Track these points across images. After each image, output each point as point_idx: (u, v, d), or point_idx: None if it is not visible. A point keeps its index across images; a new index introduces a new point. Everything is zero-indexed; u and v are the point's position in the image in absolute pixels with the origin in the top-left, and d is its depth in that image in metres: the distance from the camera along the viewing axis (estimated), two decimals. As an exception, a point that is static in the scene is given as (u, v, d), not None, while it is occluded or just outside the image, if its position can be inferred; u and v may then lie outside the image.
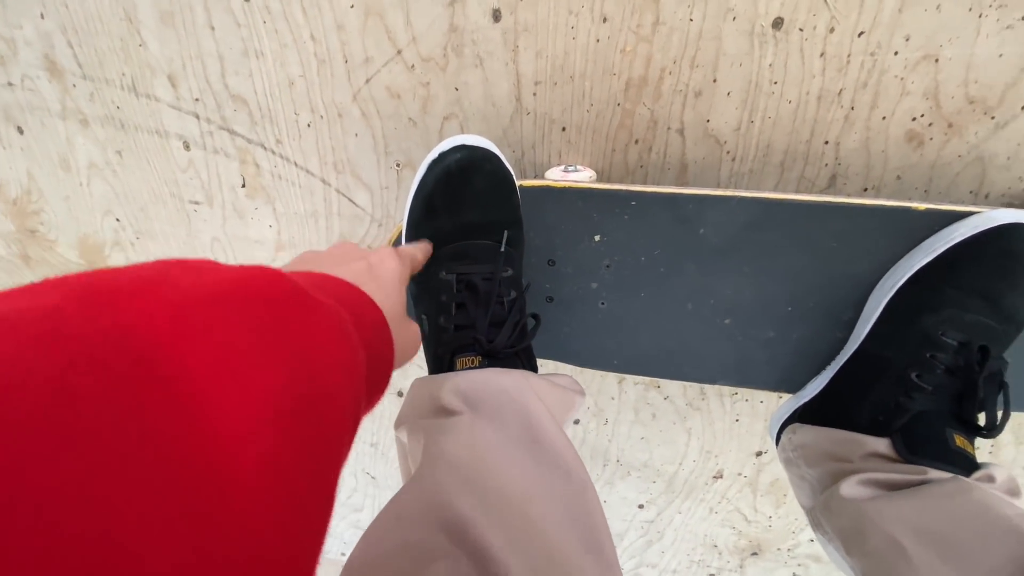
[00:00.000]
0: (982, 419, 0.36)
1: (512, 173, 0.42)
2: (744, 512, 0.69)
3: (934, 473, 0.34)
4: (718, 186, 0.49)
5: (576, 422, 0.67)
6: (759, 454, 0.64)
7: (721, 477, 0.67)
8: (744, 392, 0.60)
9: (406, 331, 0.28)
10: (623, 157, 0.50)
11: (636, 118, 0.48)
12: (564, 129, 0.50)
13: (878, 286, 0.42)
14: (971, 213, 0.38)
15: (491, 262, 0.39)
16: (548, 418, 0.33)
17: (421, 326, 0.42)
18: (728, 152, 0.48)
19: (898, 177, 0.47)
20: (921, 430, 0.36)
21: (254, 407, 0.13)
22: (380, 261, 0.28)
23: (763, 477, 0.66)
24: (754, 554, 0.74)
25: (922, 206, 0.40)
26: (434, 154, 0.40)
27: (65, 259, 0.70)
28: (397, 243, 0.50)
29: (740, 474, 0.66)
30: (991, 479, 0.34)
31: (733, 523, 0.71)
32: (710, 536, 0.73)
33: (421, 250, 0.37)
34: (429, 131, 0.52)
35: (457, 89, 0.50)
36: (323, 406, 0.16)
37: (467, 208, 0.40)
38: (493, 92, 0.49)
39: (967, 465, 0.35)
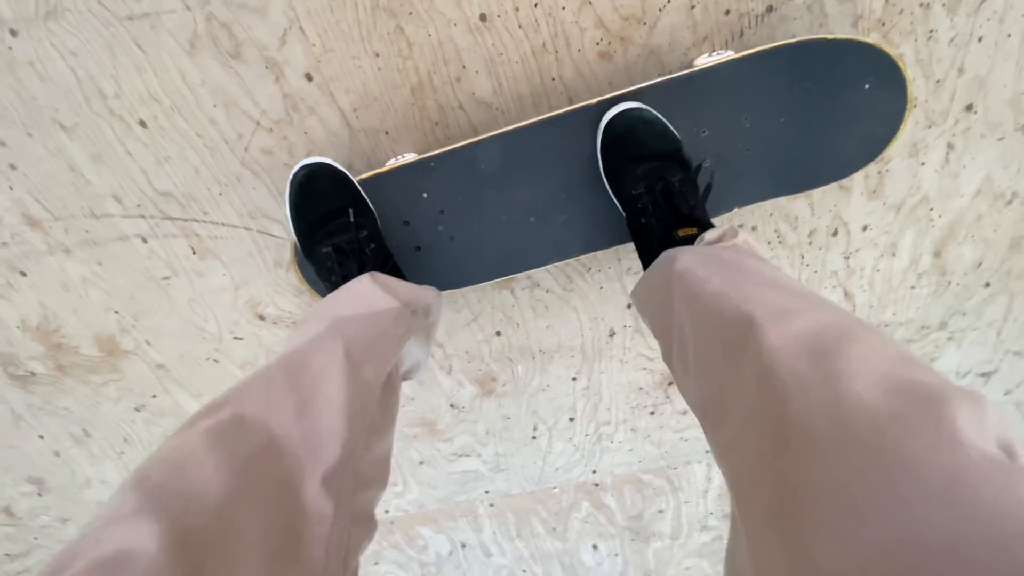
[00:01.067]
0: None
1: (345, 171, 0.64)
2: (644, 353, 0.93)
3: None
4: (502, 132, 0.72)
5: (498, 333, 0.90)
6: (629, 306, 0.87)
7: (614, 334, 0.90)
8: (595, 265, 0.83)
9: None
10: (435, 137, 0.73)
11: (428, 109, 0.70)
12: (387, 133, 0.72)
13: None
14: (616, 100, 0.61)
15: (348, 232, 0.61)
16: (365, 288, 0.56)
17: (326, 288, 0.65)
18: (497, 109, 0.70)
19: (610, 83, 0.69)
20: (661, 241, 0.59)
21: None
22: None
23: (642, 323, 0.89)
24: (672, 367, 0.97)
25: (594, 101, 0.62)
26: (289, 176, 0.63)
27: (90, 356, 0.93)
28: (298, 255, 0.72)
29: (625, 326, 0.89)
30: (703, 239, 0.56)
31: (642, 365, 0.94)
32: (633, 382, 0.97)
33: None
34: (301, 168, 0.74)
35: (306, 133, 0.72)
36: None
37: (319, 202, 0.62)
38: (330, 126, 0.72)
39: (691, 241, 0.57)
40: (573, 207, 0.68)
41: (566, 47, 0.67)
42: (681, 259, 0.50)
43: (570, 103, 0.70)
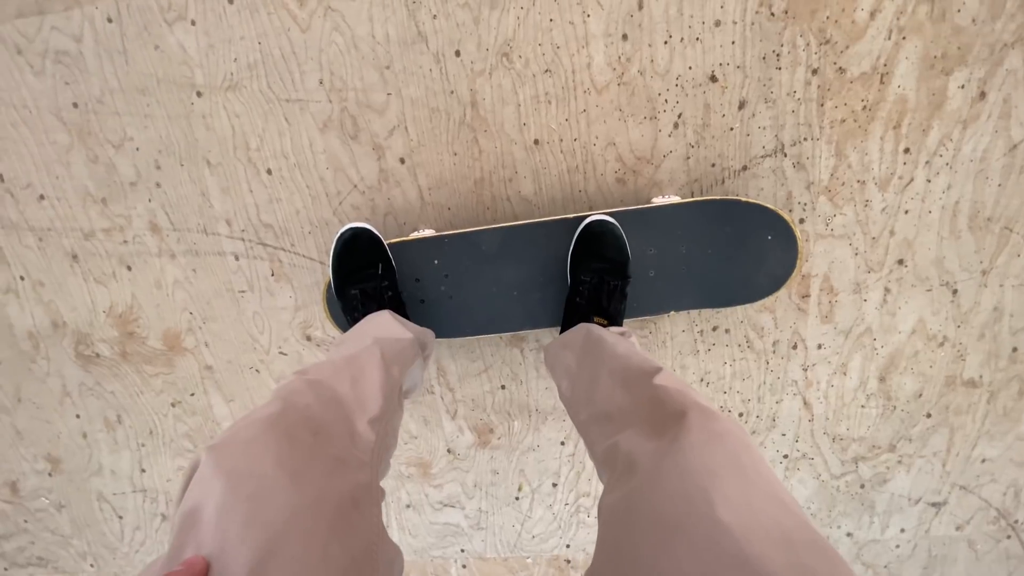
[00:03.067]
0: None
1: (380, 236, 0.91)
2: (627, 428, 1.11)
3: None
4: (536, 222, 0.98)
5: (503, 387, 1.10)
6: (618, 380, 1.07)
7: (602, 404, 1.09)
8: (594, 340, 1.05)
9: None
10: (485, 218, 1.00)
11: (484, 197, 0.98)
12: (449, 209, 0.99)
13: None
14: (586, 216, 0.88)
15: (374, 281, 0.86)
16: (388, 320, 0.80)
17: (350, 324, 0.87)
18: (535, 206, 0.98)
19: (622, 201, 0.97)
20: (581, 317, 0.83)
21: None
22: None
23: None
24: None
25: (572, 215, 0.89)
26: (336, 235, 0.89)
27: (152, 348, 1.14)
28: (329, 292, 0.96)
29: (613, 398, 1.09)
30: (609, 329, 0.79)
31: (624, 439, 1.12)
32: (614, 454, 1.13)
33: None
34: (378, 224, 1.01)
35: (389, 199, 1.00)
36: None
37: (355, 258, 0.88)
38: (408, 197, 0.99)
39: (602, 326, 0.81)
40: (547, 289, 0.93)
41: (592, 171, 0.95)
42: (595, 330, 0.78)
43: (590, 210, 0.97)
